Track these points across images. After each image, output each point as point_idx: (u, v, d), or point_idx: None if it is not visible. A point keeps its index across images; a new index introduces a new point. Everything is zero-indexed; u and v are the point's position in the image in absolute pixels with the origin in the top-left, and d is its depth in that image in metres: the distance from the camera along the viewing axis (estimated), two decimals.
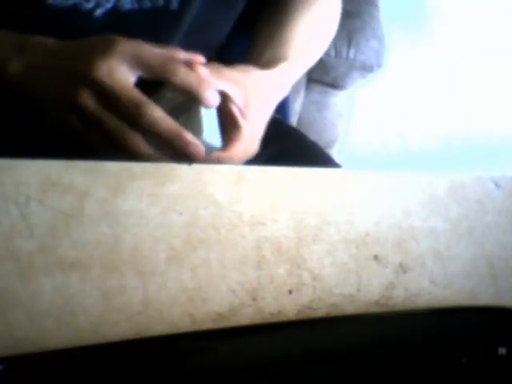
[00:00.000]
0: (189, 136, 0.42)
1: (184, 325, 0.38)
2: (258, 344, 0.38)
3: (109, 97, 0.41)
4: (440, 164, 1.64)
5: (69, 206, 0.39)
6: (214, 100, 0.43)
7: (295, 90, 1.10)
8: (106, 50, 0.42)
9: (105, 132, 0.42)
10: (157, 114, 0.41)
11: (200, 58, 0.46)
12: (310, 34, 0.62)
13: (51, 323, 0.36)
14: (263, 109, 0.53)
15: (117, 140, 0.42)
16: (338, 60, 1.10)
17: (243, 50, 0.61)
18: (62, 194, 0.39)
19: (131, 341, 0.36)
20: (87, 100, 0.41)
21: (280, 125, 0.76)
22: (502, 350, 0.39)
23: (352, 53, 1.09)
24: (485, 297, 0.45)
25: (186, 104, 0.44)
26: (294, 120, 1.12)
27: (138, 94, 0.41)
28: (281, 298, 0.40)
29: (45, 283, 0.36)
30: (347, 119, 1.25)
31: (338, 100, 1.21)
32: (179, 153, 0.42)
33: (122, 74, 0.41)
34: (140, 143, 0.42)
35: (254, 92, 0.50)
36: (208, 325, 0.38)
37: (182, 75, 0.42)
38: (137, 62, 0.42)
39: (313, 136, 0.77)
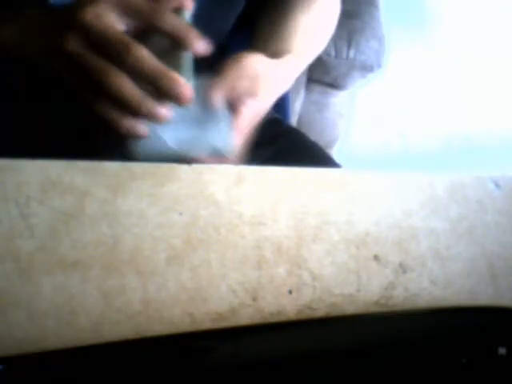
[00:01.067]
0: (175, 75, 0.41)
1: (184, 325, 0.38)
2: (258, 344, 0.38)
3: (97, 39, 0.41)
4: (440, 164, 1.64)
5: (69, 206, 0.39)
6: (200, 45, 0.42)
7: (295, 89, 1.10)
8: None
9: (92, 76, 0.41)
10: (144, 53, 0.40)
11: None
12: (310, 30, 0.62)
13: (51, 323, 0.36)
14: (268, 98, 0.53)
15: (104, 82, 0.41)
16: (339, 60, 1.10)
17: (243, 50, 0.61)
18: (62, 194, 0.39)
19: (131, 341, 0.36)
20: (75, 45, 0.41)
21: (280, 125, 0.76)
22: (502, 350, 0.39)
23: (352, 53, 1.09)
24: (485, 297, 0.44)
25: (173, 52, 0.43)
26: (294, 120, 1.12)
27: (126, 37, 0.41)
28: (281, 298, 0.40)
29: (45, 283, 0.36)
30: (347, 119, 1.25)
31: (339, 100, 1.21)
32: (165, 93, 0.41)
33: (109, 17, 0.41)
34: (126, 83, 0.41)
35: (265, 79, 0.50)
36: (208, 325, 0.38)
37: (170, 21, 0.42)
38: (124, 8, 0.42)
39: (313, 136, 0.77)
